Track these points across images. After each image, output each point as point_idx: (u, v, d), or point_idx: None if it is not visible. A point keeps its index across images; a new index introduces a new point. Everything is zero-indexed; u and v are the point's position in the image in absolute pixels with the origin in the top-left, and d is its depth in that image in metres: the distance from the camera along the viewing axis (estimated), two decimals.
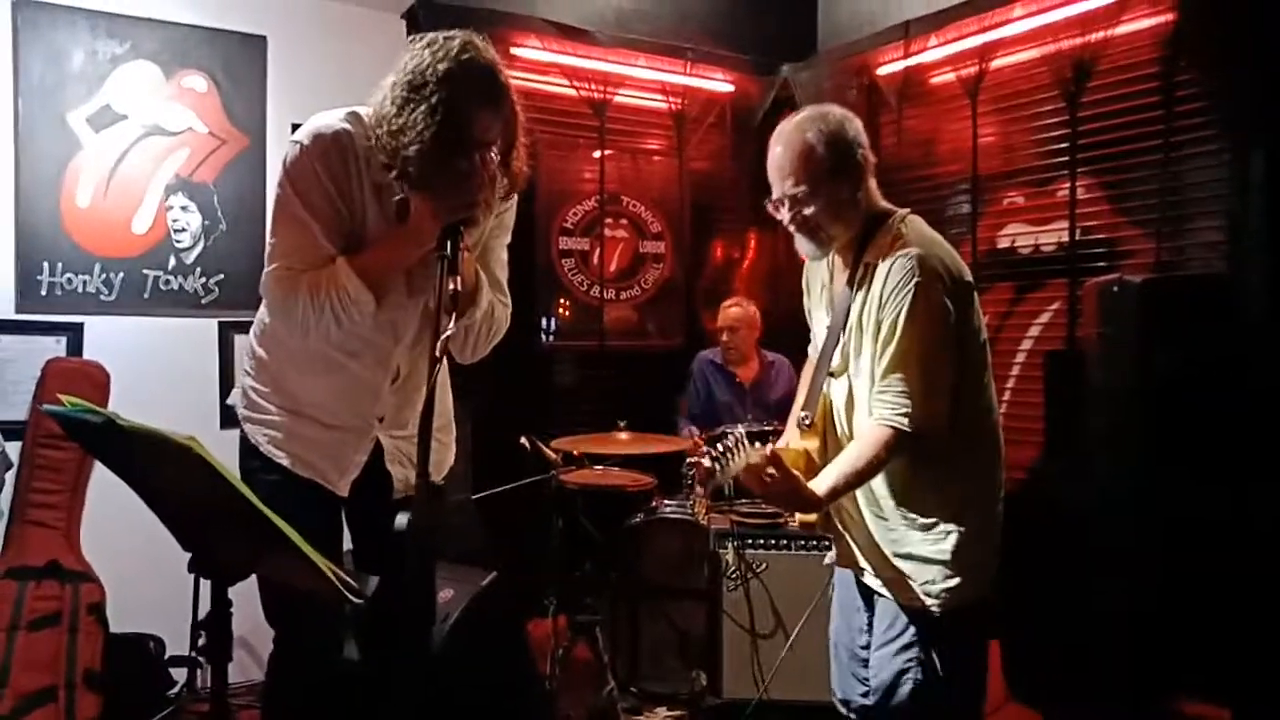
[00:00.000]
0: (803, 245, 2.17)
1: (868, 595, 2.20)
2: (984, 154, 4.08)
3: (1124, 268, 3.49)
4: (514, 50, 4.33)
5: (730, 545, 3.34)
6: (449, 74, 1.84)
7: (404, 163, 1.85)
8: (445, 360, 2.23)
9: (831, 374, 2.18)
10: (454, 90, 1.84)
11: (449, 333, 1.67)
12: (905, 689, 2.05)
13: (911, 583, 2.07)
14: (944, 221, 4.12)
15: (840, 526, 2.22)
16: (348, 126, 1.95)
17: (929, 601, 2.04)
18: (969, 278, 2.09)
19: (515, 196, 2.13)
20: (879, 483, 2.09)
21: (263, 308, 2.11)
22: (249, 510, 1.49)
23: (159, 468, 1.60)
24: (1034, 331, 3.95)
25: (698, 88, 4.86)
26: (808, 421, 2.18)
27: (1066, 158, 3.73)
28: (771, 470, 1.96)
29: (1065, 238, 3.76)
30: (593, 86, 4.58)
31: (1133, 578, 2.91)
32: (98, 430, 1.58)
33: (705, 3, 4.87)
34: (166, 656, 3.43)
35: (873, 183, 2.15)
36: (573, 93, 4.56)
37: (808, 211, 2.09)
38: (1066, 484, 3.28)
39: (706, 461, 1.97)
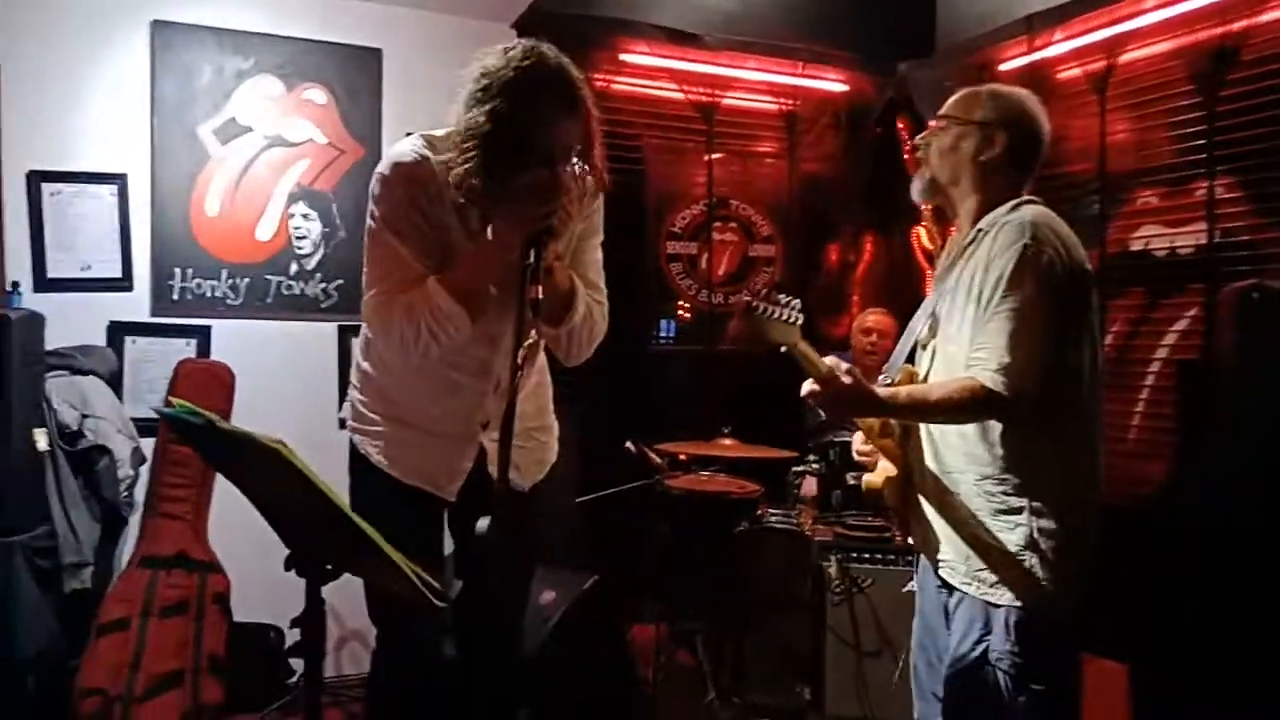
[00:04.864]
0: (915, 182, 2.16)
1: (947, 606, 2.09)
2: (1114, 152, 3.86)
3: (1267, 273, 3.25)
4: (623, 56, 4.35)
5: (833, 558, 3.26)
6: (512, 84, 1.85)
7: (468, 176, 1.87)
8: (545, 361, 2.26)
9: (920, 344, 2.12)
10: (521, 100, 1.84)
11: (530, 340, 1.69)
12: (983, 701, 1.94)
13: (991, 575, 1.95)
14: (1072, 223, 3.91)
15: (918, 507, 2.11)
16: (425, 152, 1.99)
17: (1010, 598, 1.93)
18: (1088, 266, 2.00)
19: (601, 196, 2.12)
20: (957, 456, 1.99)
21: (365, 327, 2.17)
22: (336, 513, 1.52)
23: (253, 469, 1.66)
24: (1169, 340, 3.72)
25: (810, 88, 4.77)
26: (888, 383, 2.12)
27: (1204, 155, 3.49)
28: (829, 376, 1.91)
29: (1203, 240, 3.53)
30: (701, 90, 4.55)
31: (1268, 600, 2.71)
32: (199, 431, 1.64)
33: (817, 1, 4.77)
34: (286, 647, 3.56)
35: (1025, 182, 2.09)
36: (681, 97, 4.54)
37: (935, 141, 2.08)
38: (1198, 501, 3.07)
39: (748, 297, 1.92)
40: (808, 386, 1.95)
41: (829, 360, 1.95)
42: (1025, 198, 2.05)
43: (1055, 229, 1.96)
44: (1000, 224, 1.97)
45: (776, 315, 1.88)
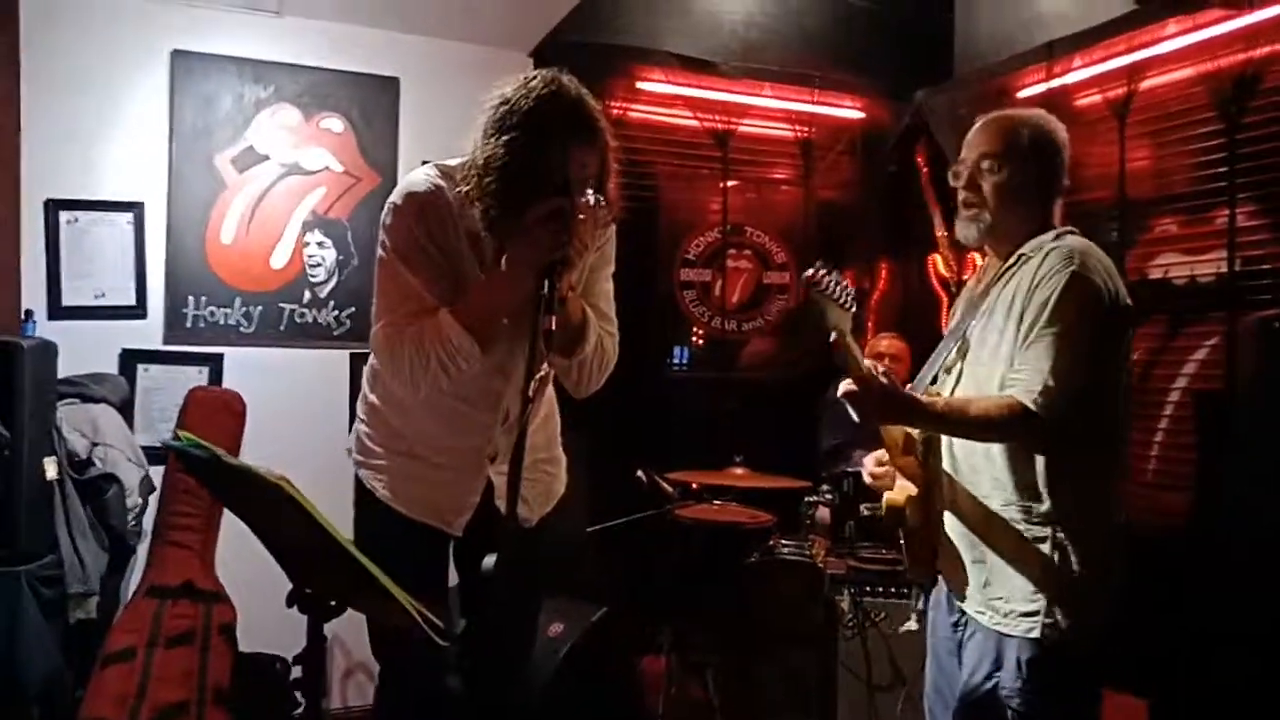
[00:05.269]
0: (961, 225, 2.13)
1: (961, 641, 2.06)
2: (1133, 179, 3.83)
3: None
4: (639, 84, 4.36)
5: (846, 592, 3.21)
6: (530, 114, 1.84)
7: (484, 206, 1.87)
8: (553, 392, 2.24)
9: (945, 368, 2.11)
10: (539, 131, 1.84)
11: (542, 372, 1.67)
12: None
13: (1005, 605, 1.93)
14: None
15: (939, 528, 2.09)
16: (439, 182, 1.98)
17: (1023, 630, 1.90)
18: (1128, 301, 1.99)
19: (614, 227, 2.11)
20: (983, 480, 1.98)
21: (372, 358, 2.16)
22: (339, 550, 1.50)
23: (257, 503, 1.65)
24: (1189, 369, 3.67)
25: (826, 115, 4.78)
26: None
27: (1225, 183, 3.46)
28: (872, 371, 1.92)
29: (1224, 268, 3.48)
30: (717, 117, 4.55)
31: None
32: (204, 464, 1.63)
33: (834, 28, 4.77)
34: (291, 679, 3.53)
35: (1058, 207, 2.10)
36: (696, 124, 4.55)
37: (984, 183, 2.05)
38: (1218, 533, 3.01)
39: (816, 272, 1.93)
40: (845, 385, 1.93)
41: (867, 362, 1.96)
42: (1067, 228, 2.06)
43: (1101, 260, 1.97)
44: (1046, 250, 1.97)
45: (836, 296, 1.91)
